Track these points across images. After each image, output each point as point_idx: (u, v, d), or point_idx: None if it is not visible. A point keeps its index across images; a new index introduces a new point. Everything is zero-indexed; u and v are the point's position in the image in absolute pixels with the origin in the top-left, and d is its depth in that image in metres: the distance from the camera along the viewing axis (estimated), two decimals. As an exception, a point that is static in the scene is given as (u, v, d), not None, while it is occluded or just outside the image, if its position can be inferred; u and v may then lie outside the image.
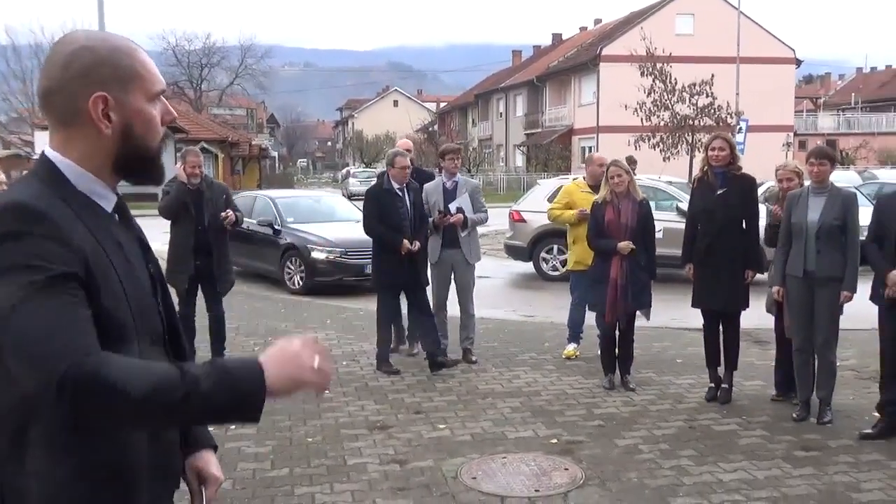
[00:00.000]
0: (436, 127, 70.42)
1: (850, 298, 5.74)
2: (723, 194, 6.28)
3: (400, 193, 7.32)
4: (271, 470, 4.99)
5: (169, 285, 1.95)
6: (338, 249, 11.88)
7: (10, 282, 1.39)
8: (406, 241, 7.11)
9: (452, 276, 7.75)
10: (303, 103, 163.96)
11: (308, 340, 1.54)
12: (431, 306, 7.64)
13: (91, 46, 1.56)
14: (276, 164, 77.25)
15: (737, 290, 6.31)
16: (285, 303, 11.21)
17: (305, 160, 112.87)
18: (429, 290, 7.65)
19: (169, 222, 7.15)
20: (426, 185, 7.77)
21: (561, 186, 14.08)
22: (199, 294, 7.30)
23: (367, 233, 7.56)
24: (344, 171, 65.49)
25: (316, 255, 11.91)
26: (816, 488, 4.71)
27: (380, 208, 7.32)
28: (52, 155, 1.57)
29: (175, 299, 3.08)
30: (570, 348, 7.84)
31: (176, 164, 6.97)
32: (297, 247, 12.22)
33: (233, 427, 5.75)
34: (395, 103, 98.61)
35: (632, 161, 17.89)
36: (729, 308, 6.41)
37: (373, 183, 8.68)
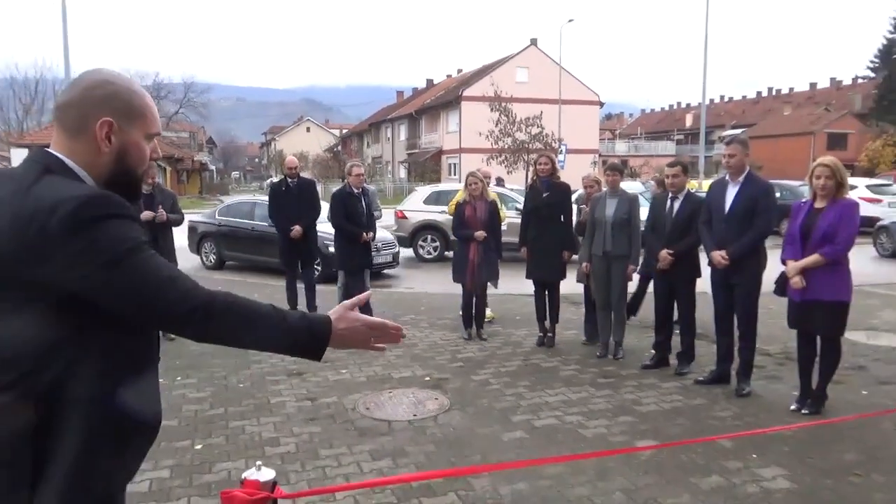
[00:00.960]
0: (339, 148, 69.23)
1: (635, 270, 6.09)
2: (547, 197, 6.47)
3: (358, 195, 7.25)
4: (210, 410, 4.79)
5: None
6: None
7: (130, 248, 1.32)
8: (363, 233, 7.16)
9: None
10: (235, 128, 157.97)
11: (377, 325, 1.56)
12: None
13: (114, 82, 1.46)
14: (214, 176, 74.05)
15: (558, 266, 6.51)
16: (202, 280, 10.75)
17: (238, 173, 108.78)
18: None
19: None
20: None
21: (433, 192, 14.37)
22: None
23: (333, 226, 7.36)
24: (268, 181, 63.40)
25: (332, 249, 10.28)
26: (612, 404, 4.91)
27: (344, 207, 7.19)
28: (65, 159, 1.42)
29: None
30: (488, 312, 7.57)
31: None
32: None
33: (178, 378, 5.51)
34: (308, 129, 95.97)
35: (500, 179, 18.09)
36: (552, 278, 6.61)
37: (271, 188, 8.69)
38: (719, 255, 4.99)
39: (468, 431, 4.39)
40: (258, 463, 1.39)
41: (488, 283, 6.99)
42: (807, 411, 4.68)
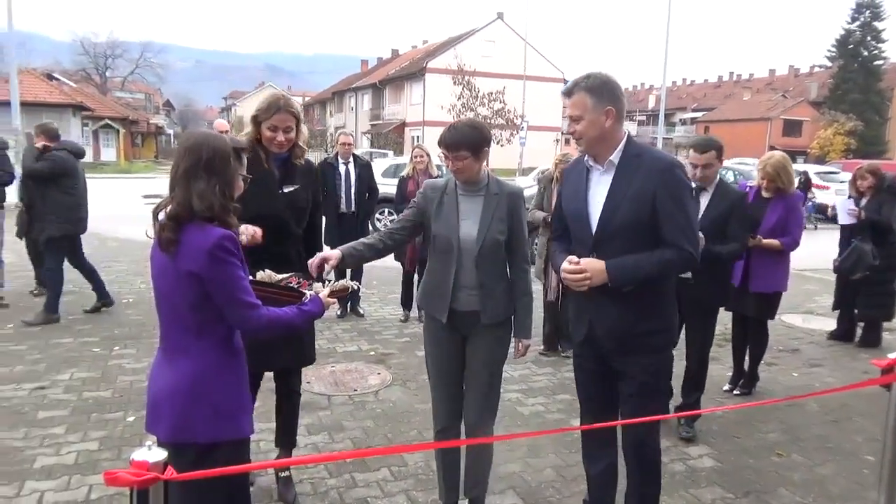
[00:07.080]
0: (302, 116, 68.15)
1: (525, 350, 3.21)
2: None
3: (342, 167, 6.65)
4: (146, 381, 4.67)
5: None
6: None
7: None
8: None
9: None
10: (194, 92, 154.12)
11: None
12: None
13: None
14: (171, 140, 72.26)
15: None
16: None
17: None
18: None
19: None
20: None
21: (391, 165, 14.21)
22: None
23: None
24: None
25: None
26: (552, 382, 4.98)
27: (323, 179, 6.53)
28: None
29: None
30: None
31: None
32: None
33: (116, 348, 5.38)
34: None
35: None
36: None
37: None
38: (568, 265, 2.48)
39: (407, 406, 4.40)
40: (148, 443, 1.35)
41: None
42: (738, 392, 4.82)
